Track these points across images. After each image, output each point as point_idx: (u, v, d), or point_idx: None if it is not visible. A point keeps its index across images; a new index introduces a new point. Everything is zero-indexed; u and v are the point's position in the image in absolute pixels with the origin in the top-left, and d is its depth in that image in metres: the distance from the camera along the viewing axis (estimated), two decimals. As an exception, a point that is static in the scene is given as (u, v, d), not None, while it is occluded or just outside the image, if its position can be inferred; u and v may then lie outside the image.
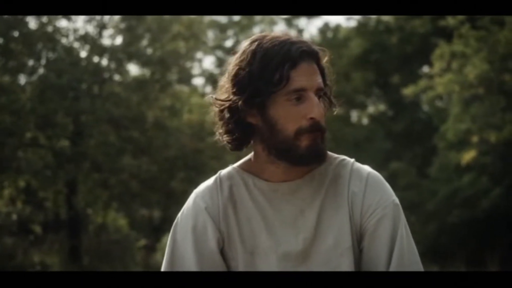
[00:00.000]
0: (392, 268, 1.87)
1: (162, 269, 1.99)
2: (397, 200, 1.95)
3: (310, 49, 1.90)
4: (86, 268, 15.73)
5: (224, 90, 1.93)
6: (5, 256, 14.84)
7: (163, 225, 21.22)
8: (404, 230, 1.92)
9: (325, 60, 1.95)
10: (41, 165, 16.37)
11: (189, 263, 1.94)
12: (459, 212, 16.99)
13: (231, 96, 1.90)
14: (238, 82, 1.89)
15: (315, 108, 1.86)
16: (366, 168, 2.00)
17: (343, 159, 2.00)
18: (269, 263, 1.93)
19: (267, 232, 1.94)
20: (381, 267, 1.89)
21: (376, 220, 1.91)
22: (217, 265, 1.95)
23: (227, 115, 1.92)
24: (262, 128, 1.91)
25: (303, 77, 1.86)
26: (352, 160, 2.01)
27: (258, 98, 1.87)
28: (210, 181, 2.03)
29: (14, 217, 17.27)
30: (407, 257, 1.90)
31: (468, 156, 15.46)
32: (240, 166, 2.02)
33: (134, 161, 17.87)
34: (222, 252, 1.96)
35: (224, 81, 1.94)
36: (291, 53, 1.86)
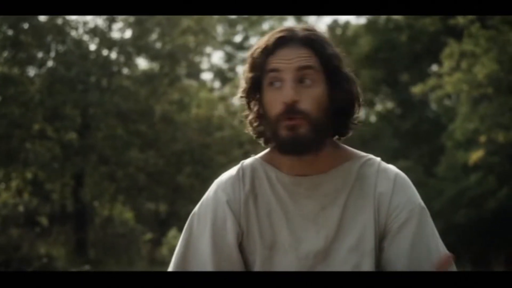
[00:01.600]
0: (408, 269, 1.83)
1: (173, 259, 1.94)
2: (423, 204, 1.91)
3: (293, 35, 1.86)
4: (92, 261, 15.76)
5: None
6: (11, 248, 14.88)
7: (169, 219, 21.24)
8: (430, 233, 1.88)
9: (326, 43, 1.95)
10: (48, 157, 16.42)
11: (204, 257, 1.90)
12: (465, 211, 16.97)
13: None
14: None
15: (284, 91, 1.80)
16: (393, 168, 1.97)
17: (369, 158, 1.97)
18: (288, 260, 1.88)
19: (288, 228, 1.89)
20: (399, 269, 1.84)
21: (402, 222, 1.87)
22: (233, 261, 1.90)
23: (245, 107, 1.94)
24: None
25: (280, 59, 1.83)
26: (378, 159, 1.97)
27: (248, 86, 1.88)
28: (232, 172, 1.97)
29: (21, 208, 17.33)
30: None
31: (476, 155, 15.43)
32: (263, 158, 1.97)
33: (141, 155, 17.90)
34: (240, 246, 1.91)
35: None
36: (270, 40, 1.85)
